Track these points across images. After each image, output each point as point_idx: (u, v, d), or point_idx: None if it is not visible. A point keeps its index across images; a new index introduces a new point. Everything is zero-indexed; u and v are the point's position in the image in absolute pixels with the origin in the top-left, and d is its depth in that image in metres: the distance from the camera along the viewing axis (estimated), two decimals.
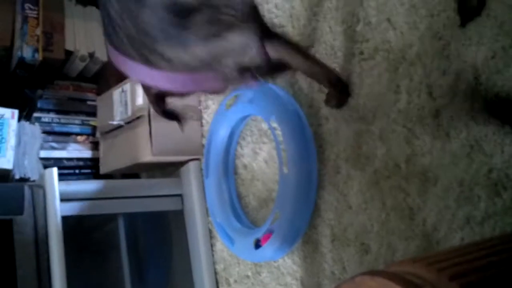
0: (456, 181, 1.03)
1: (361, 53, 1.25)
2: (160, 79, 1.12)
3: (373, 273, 0.65)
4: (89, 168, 2.17)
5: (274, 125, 1.41)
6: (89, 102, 2.23)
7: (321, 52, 1.35)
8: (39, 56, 2.06)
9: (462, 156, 1.02)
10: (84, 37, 2.22)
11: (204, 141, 1.76)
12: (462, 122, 1.02)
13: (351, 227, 1.26)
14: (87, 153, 2.19)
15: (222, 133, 1.64)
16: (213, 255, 1.77)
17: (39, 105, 2.14)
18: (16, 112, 1.99)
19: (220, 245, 1.73)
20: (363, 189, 1.23)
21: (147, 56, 1.08)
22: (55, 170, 1.63)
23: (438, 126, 1.07)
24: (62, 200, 1.61)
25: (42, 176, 1.68)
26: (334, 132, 1.31)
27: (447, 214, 1.04)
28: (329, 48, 1.33)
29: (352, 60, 1.27)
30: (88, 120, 2.22)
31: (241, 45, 1.12)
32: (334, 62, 1.31)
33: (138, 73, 1.13)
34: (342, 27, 1.30)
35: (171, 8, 1.05)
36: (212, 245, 1.78)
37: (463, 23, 1.05)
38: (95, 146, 2.19)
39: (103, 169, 2.09)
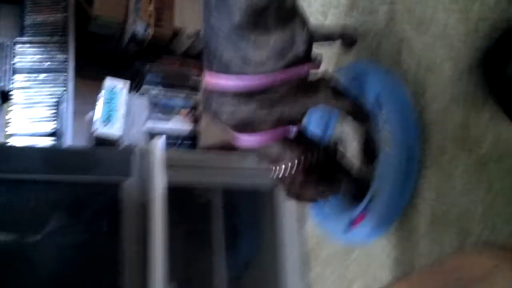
0: None
1: (476, 31, 1.20)
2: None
3: (481, 245, 0.64)
4: (190, 140, 2.27)
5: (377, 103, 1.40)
6: (193, 77, 2.32)
7: (433, 30, 1.32)
8: (150, 32, 2.17)
9: None
10: (192, 15, 2.31)
11: None
12: None
13: (453, 209, 1.23)
14: (189, 126, 2.30)
15: (319, 112, 1.65)
16: (303, 232, 1.79)
17: (147, 78, 2.27)
18: (127, 83, 2.12)
19: (310, 222, 1.75)
20: (469, 170, 1.19)
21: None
22: (163, 138, 1.72)
23: None
24: (168, 166, 1.70)
25: (150, 143, 1.79)
26: (442, 112, 1.28)
27: None
28: (442, 27, 1.30)
29: (465, 39, 1.23)
30: (192, 95, 2.31)
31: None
32: (447, 40, 1.28)
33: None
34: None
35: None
36: (303, 223, 1.80)
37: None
38: (196, 119, 2.29)
39: (202, 143, 2.18)
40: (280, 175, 1.31)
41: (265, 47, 1.16)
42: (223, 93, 1.21)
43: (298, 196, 1.35)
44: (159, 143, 1.72)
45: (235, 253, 2.01)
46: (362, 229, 1.41)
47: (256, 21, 1.12)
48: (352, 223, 1.45)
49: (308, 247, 1.77)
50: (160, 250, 1.59)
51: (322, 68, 1.42)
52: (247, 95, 1.20)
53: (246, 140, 1.29)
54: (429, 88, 1.33)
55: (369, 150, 1.46)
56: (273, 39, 1.16)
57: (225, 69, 1.18)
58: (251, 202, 2.07)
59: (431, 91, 1.32)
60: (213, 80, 1.22)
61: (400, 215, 1.37)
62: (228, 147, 2.23)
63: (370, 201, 1.39)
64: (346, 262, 1.58)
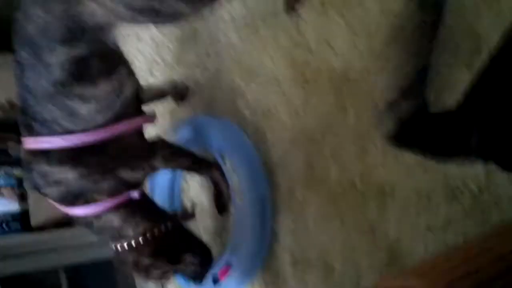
0: (413, 191, 1.06)
1: (303, 75, 1.27)
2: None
3: None
4: (18, 222, 2.02)
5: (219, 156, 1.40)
6: (12, 152, 2.09)
7: (261, 78, 1.36)
8: None
9: (416, 166, 1.05)
10: (1, 85, 2.09)
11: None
12: None
13: (311, 249, 1.26)
14: (14, 206, 2.05)
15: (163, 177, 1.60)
16: None
17: None
18: None
19: (172, 286, 1.66)
20: (320, 209, 1.24)
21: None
22: None
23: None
24: None
25: None
26: (284, 156, 1.32)
27: (408, 224, 1.07)
28: (270, 74, 1.34)
29: (294, 84, 1.29)
30: (12, 171, 2.08)
31: None
32: (277, 87, 1.32)
33: None
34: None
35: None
36: (162, 286, 1.71)
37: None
38: (22, 197, 2.05)
39: (34, 221, 1.96)
40: (124, 255, 1.22)
41: (92, 99, 1.08)
42: (47, 160, 1.09)
43: (147, 275, 1.27)
44: None
45: None
46: (229, 282, 1.38)
47: (79, 73, 1.04)
48: (217, 279, 1.41)
49: None
50: None
51: (157, 125, 1.38)
52: (74, 158, 1.10)
53: (80, 213, 1.17)
54: (268, 134, 1.35)
55: (221, 203, 1.44)
56: (99, 90, 1.08)
57: (49, 131, 1.08)
58: (100, 275, 1.91)
59: (271, 136, 1.35)
60: (35, 145, 1.09)
61: (262, 264, 1.37)
62: (65, 222, 2.04)
63: (230, 254, 1.36)
64: None
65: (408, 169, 1.06)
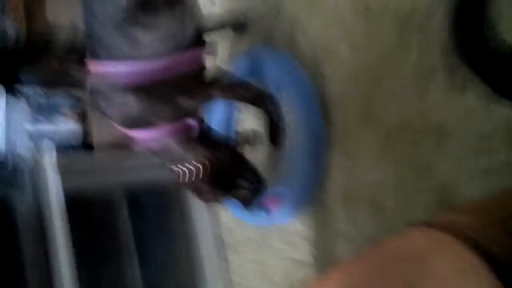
0: (472, 133, 1.04)
1: (367, 8, 1.23)
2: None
3: (421, 225, 0.65)
4: (81, 141, 2.12)
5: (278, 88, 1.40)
6: (75, 74, 2.16)
7: (323, 10, 1.33)
8: (21, 29, 1.98)
9: (478, 108, 1.02)
10: (65, 8, 2.14)
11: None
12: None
13: (363, 185, 1.27)
14: (77, 126, 2.14)
15: (220, 109, 1.61)
16: (217, 221, 1.77)
17: (24, 80, 2.07)
18: (1, 89, 1.92)
19: (223, 211, 1.73)
20: (374, 147, 1.23)
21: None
22: (51, 143, 1.59)
23: (453, 80, 1.07)
24: (61, 173, 1.58)
25: (37, 151, 1.64)
26: (342, 92, 1.31)
27: (465, 166, 1.05)
28: (332, 6, 1.31)
29: (357, 17, 1.25)
30: (75, 92, 2.15)
31: None
32: (339, 20, 1.29)
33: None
34: None
35: None
36: (216, 212, 1.77)
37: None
38: (84, 118, 2.13)
39: (95, 142, 2.04)
40: (183, 179, 1.26)
41: (154, 29, 1.11)
42: (112, 83, 1.13)
43: (200, 197, 1.32)
44: (48, 149, 1.59)
45: (148, 254, 1.93)
46: (279, 213, 1.42)
47: (144, 2, 1.08)
48: (268, 208, 1.45)
49: (223, 238, 1.75)
50: (67, 268, 1.47)
51: (218, 55, 1.39)
52: (137, 84, 1.13)
53: (141, 136, 1.22)
54: (327, 70, 1.34)
55: (275, 136, 1.46)
56: (163, 21, 1.12)
57: (114, 56, 1.12)
58: (157, 198, 2.00)
59: (329, 72, 1.33)
60: (101, 69, 1.14)
61: (313, 198, 1.39)
62: (125, 144, 2.12)
63: (282, 186, 1.39)
64: (263, 249, 1.59)
65: (470, 111, 1.04)
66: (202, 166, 1.24)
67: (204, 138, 1.27)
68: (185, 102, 1.21)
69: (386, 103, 1.20)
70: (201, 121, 1.29)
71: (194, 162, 1.24)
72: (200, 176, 1.25)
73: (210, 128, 1.33)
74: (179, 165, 1.25)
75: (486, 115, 1.01)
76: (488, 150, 1.01)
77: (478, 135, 1.03)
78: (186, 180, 1.25)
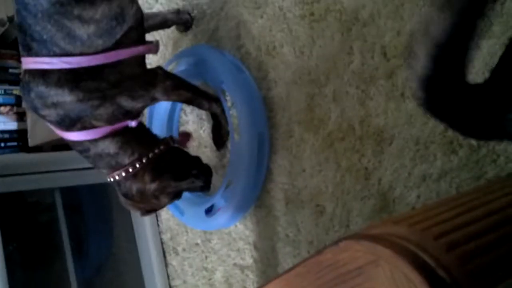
0: (411, 140, 1.05)
1: (312, 14, 1.23)
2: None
3: (357, 236, 0.65)
4: (15, 141, 2.02)
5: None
6: (11, 70, 2.06)
7: (269, 13, 1.32)
8: None
9: (417, 115, 1.04)
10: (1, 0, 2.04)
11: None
12: None
13: (305, 190, 1.26)
14: (12, 125, 2.04)
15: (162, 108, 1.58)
16: (158, 225, 1.73)
17: None
18: None
19: (165, 214, 1.69)
20: (316, 151, 1.23)
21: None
22: None
23: (393, 87, 1.08)
24: None
25: None
26: (285, 96, 1.30)
27: (403, 172, 1.07)
28: (278, 10, 1.30)
29: (302, 22, 1.25)
30: (11, 89, 2.06)
31: None
32: (284, 24, 1.28)
33: None
34: None
35: None
36: (157, 215, 1.73)
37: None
38: (20, 117, 2.04)
39: (32, 142, 1.95)
40: (124, 187, 1.22)
41: (91, 22, 1.05)
42: (45, 81, 1.07)
43: (155, 210, 1.29)
44: None
45: (86, 255, 1.87)
46: (221, 216, 1.39)
47: None
48: (211, 212, 1.43)
49: (165, 242, 1.71)
50: None
51: (160, 54, 1.35)
52: (73, 81, 1.07)
53: (76, 137, 1.16)
54: (271, 72, 1.33)
55: (219, 138, 1.44)
56: (100, 13, 1.06)
57: (48, 52, 1.05)
58: (97, 199, 1.94)
59: (273, 75, 1.32)
60: (33, 65, 1.07)
61: (256, 200, 1.38)
62: (63, 144, 2.04)
63: (225, 189, 1.37)
64: (204, 252, 1.56)
65: (409, 118, 1.05)
66: (139, 164, 1.19)
67: (141, 137, 1.23)
68: (127, 103, 1.17)
69: (328, 108, 1.20)
70: (139, 120, 1.25)
71: (130, 162, 1.19)
72: (142, 175, 1.20)
73: (147, 128, 1.30)
74: (116, 170, 1.20)
75: (425, 123, 1.02)
76: (425, 158, 1.03)
77: (417, 142, 1.04)
78: (132, 188, 1.20)
